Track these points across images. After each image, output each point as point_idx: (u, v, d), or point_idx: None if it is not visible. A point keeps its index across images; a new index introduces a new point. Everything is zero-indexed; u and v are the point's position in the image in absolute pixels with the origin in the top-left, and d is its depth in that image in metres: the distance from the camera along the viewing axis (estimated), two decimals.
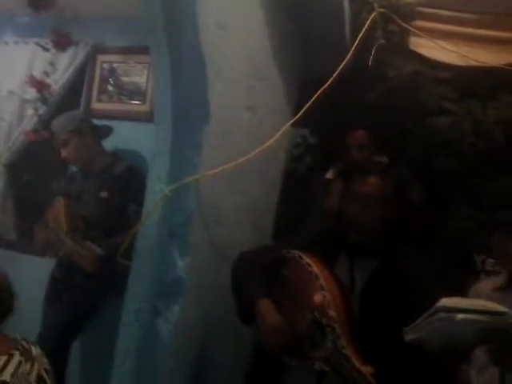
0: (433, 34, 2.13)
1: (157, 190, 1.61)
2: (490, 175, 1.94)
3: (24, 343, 1.36)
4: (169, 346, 1.63)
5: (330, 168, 2.32)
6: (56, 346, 2.09)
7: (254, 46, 1.88)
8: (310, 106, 1.79)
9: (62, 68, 2.78)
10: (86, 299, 2.24)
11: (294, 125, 2.04)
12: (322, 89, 1.77)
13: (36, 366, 1.33)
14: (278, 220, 2.35)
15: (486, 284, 1.49)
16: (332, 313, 1.40)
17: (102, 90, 2.77)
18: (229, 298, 1.58)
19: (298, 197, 2.53)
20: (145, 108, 2.63)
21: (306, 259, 1.50)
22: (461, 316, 1.14)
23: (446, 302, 1.18)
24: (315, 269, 1.47)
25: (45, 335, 2.13)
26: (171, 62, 1.58)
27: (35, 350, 1.36)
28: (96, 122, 2.52)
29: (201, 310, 1.76)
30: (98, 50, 2.78)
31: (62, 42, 2.72)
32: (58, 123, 2.38)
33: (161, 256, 1.64)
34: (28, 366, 1.32)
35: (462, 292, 1.49)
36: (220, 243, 1.81)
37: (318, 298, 1.41)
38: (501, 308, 1.16)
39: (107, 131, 2.42)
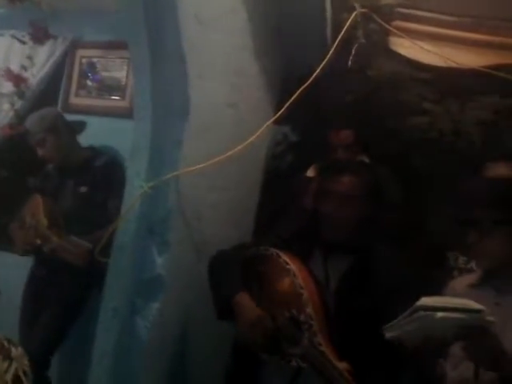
0: (413, 34, 2.15)
1: (136, 186, 1.60)
2: (467, 175, 1.97)
3: (5, 342, 1.34)
4: (147, 344, 1.62)
5: (310, 166, 2.33)
6: (41, 350, 2.05)
7: (236, 43, 1.88)
8: (291, 103, 1.80)
9: (40, 62, 2.73)
10: (71, 297, 2.20)
11: (276, 122, 2.04)
12: (303, 87, 1.78)
13: (14, 366, 1.31)
14: (258, 217, 2.35)
15: (461, 281, 1.52)
16: (309, 310, 1.42)
17: (81, 85, 2.73)
18: (209, 295, 1.58)
19: (279, 194, 2.54)
20: (124, 103, 2.60)
21: (284, 257, 1.51)
22: (440, 314, 1.17)
23: (425, 301, 1.20)
24: (293, 266, 1.48)
25: (29, 340, 2.08)
26: (151, 58, 1.57)
27: (16, 351, 1.34)
28: (74, 117, 2.49)
29: (180, 307, 1.75)
30: (76, 44, 2.74)
31: (40, 36, 2.67)
32: (32, 121, 2.34)
33: (139, 253, 1.63)
34: (5, 365, 1.29)
35: (434, 288, 1.51)
36: (200, 240, 1.81)
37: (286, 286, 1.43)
38: (477, 306, 1.19)
39: (81, 126, 2.39)
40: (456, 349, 1.33)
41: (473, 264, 1.74)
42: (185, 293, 1.75)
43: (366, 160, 2.12)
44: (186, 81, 1.62)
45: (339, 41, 1.91)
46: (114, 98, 2.66)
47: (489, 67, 1.99)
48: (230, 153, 1.72)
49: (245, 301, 1.47)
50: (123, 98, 2.64)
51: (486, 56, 2.09)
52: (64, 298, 2.19)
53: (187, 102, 1.62)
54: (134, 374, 1.60)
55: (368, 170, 1.73)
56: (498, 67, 2.02)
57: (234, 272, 1.54)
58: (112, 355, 1.61)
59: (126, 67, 2.63)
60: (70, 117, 2.49)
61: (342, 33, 1.88)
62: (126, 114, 2.46)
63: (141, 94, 1.64)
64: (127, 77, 2.61)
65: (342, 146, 2.09)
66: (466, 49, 2.11)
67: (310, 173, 2.28)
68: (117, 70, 2.69)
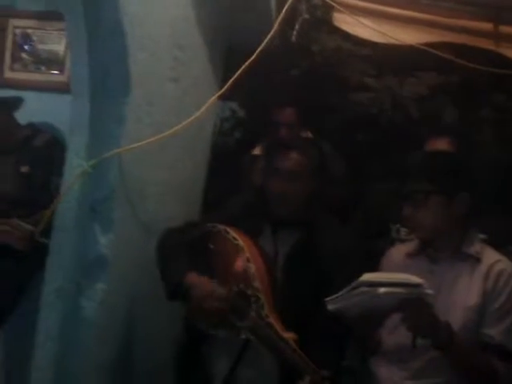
0: (355, 10, 2.17)
1: (75, 165, 1.55)
2: (406, 148, 2.04)
3: None
4: (93, 325, 1.60)
5: (258, 142, 2.34)
6: None
7: (177, 16, 1.83)
8: (236, 78, 1.78)
9: None
10: (13, 281, 2.12)
11: (222, 97, 2.02)
12: (247, 63, 1.76)
13: None
14: (206, 194, 2.35)
15: (398, 250, 1.59)
16: (257, 284, 1.45)
17: (16, 58, 2.58)
18: (156, 274, 1.57)
19: (227, 171, 2.54)
20: (63, 78, 2.48)
21: (232, 233, 1.52)
22: (382, 290, 1.23)
23: (368, 276, 1.26)
24: (241, 242, 1.50)
25: None
26: (88, 30, 1.50)
27: None
28: (10, 93, 2.35)
29: (127, 286, 1.73)
30: (8, 13, 2.56)
31: None
32: None
33: (82, 233, 1.59)
34: None
35: (377, 260, 1.58)
36: (146, 219, 1.79)
37: (239, 264, 1.45)
38: (417, 280, 1.26)
39: (18, 102, 2.27)
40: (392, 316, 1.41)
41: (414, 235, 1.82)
42: (131, 272, 1.73)
43: (310, 136, 2.15)
44: (125, 54, 1.56)
45: (283, 16, 1.90)
46: (52, 72, 2.54)
47: (426, 44, 2.05)
48: (174, 129, 1.69)
49: (196, 278, 1.48)
50: (62, 72, 2.52)
51: (424, 33, 2.15)
52: (6, 282, 2.11)
53: (127, 77, 1.57)
54: (79, 356, 1.57)
55: (312, 146, 1.77)
56: (434, 45, 2.09)
57: (182, 252, 1.55)
58: (56, 338, 1.57)
59: (64, 40, 2.50)
60: (4, 92, 2.36)
61: (286, 7, 1.87)
62: (66, 89, 2.35)
63: (78, 68, 1.57)
64: (65, 50, 2.49)
65: (285, 124, 2.11)
66: (404, 26, 2.16)
67: (257, 151, 2.29)
68: (54, 42, 2.55)
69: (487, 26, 2.15)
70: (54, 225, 1.62)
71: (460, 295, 1.40)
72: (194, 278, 1.47)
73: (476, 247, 1.45)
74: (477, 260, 1.43)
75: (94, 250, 1.60)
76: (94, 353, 1.62)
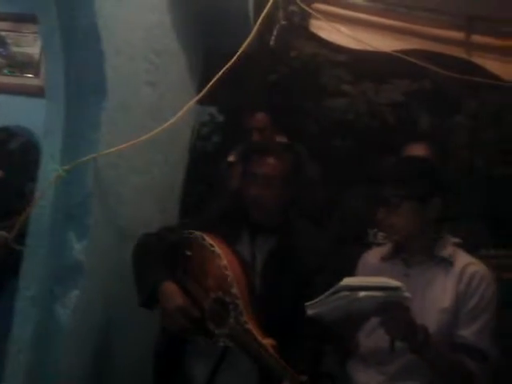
0: (332, 17, 2.20)
1: (50, 170, 1.52)
2: (382, 154, 2.08)
3: None
4: (68, 333, 1.57)
5: (235, 148, 2.34)
6: None
7: (153, 20, 1.83)
8: (215, 83, 1.78)
9: None
10: None
11: (200, 102, 2.02)
12: (224, 68, 1.77)
13: None
14: (184, 199, 2.34)
15: (374, 254, 1.61)
16: (235, 290, 1.44)
17: None
18: (133, 280, 1.55)
19: (206, 176, 2.54)
20: (38, 82, 2.45)
21: (209, 240, 1.52)
22: (362, 294, 1.24)
23: (348, 281, 1.28)
24: (218, 249, 1.50)
25: None
26: (62, 33, 1.48)
27: None
28: None
29: (103, 293, 1.71)
30: None
31: None
32: None
33: (57, 239, 1.56)
34: None
35: (355, 264, 1.60)
36: (122, 224, 1.77)
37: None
38: (395, 283, 1.28)
39: None
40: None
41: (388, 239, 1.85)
42: (107, 278, 1.71)
43: (286, 141, 2.16)
44: (101, 59, 1.55)
45: (261, 22, 1.91)
46: (26, 75, 2.50)
47: (401, 51, 2.09)
48: (150, 133, 1.68)
49: (170, 289, 1.46)
50: (37, 75, 2.48)
51: (399, 41, 2.20)
52: None
53: (103, 81, 1.56)
54: (54, 365, 1.54)
55: (289, 151, 1.78)
56: (409, 52, 2.13)
57: (158, 259, 1.53)
58: (30, 346, 1.54)
59: (39, 43, 2.47)
60: None
61: (263, 14, 1.89)
62: (41, 92, 2.32)
63: (53, 71, 1.55)
64: (40, 53, 2.45)
65: (256, 129, 2.12)
66: (380, 33, 2.21)
67: (231, 158, 2.30)
68: (29, 45, 2.52)
69: (459, 34, 2.21)
70: (28, 231, 1.59)
71: (434, 298, 1.43)
72: (167, 290, 1.46)
73: (449, 250, 1.48)
74: (450, 263, 1.46)
75: (69, 256, 1.57)
76: (69, 361, 1.59)
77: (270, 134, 2.12)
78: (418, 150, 1.95)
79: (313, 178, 2.06)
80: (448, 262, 1.46)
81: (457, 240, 1.61)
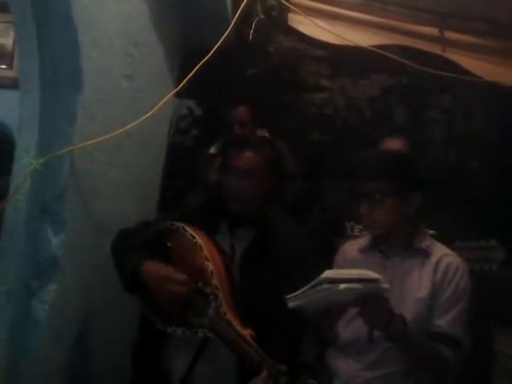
0: (310, 12, 2.21)
1: (25, 163, 1.50)
2: (359, 148, 2.11)
3: None
4: (45, 328, 1.55)
5: (216, 140, 2.35)
6: None
7: (131, 12, 1.80)
8: (193, 77, 1.78)
9: None
10: None
11: (178, 95, 2.01)
12: (202, 61, 1.76)
13: None
14: (163, 193, 2.33)
15: (352, 245, 1.64)
16: (215, 281, 1.45)
17: None
18: (111, 274, 1.54)
19: (185, 169, 2.53)
20: (11, 73, 2.39)
21: (190, 231, 1.52)
22: (343, 286, 1.27)
23: (328, 273, 1.30)
24: (199, 240, 1.50)
25: None
26: (37, 24, 1.45)
27: None
28: None
29: (81, 287, 1.69)
30: None
31: None
32: None
33: (33, 233, 1.54)
34: None
35: (332, 255, 1.62)
36: (100, 218, 1.75)
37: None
38: (374, 275, 1.30)
39: None
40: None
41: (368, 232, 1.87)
42: (84, 272, 1.69)
43: (266, 135, 2.17)
44: (77, 50, 1.52)
45: (239, 15, 1.91)
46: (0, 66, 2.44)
47: (378, 46, 2.12)
48: (127, 126, 1.66)
49: (153, 265, 1.46)
50: (10, 66, 2.42)
51: (376, 36, 2.23)
52: None
53: (79, 73, 1.53)
54: (31, 361, 1.52)
55: (269, 144, 1.79)
56: (386, 47, 2.16)
57: (138, 246, 1.53)
58: (7, 342, 1.51)
59: (12, 33, 2.41)
60: None
61: (241, 8, 1.88)
62: (15, 84, 2.27)
63: (27, 63, 1.51)
64: (14, 44, 2.40)
65: (238, 123, 2.12)
66: (357, 28, 2.23)
67: (213, 150, 2.30)
68: (2, 35, 2.46)
69: (433, 30, 2.25)
70: (3, 225, 1.56)
71: (411, 288, 1.46)
72: (150, 266, 1.46)
73: (426, 242, 1.51)
74: (426, 254, 1.49)
75: (46, 250, 1.55)
76: (47, 357, 1.57)
77: (252, 128, 2.13)
78: (394, 143, 1.98)
79: (291, 172, 2.07)
80: (425, 254, 1.49)
81: (433, 232, 1.65)
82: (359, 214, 1.51)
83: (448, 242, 1.60)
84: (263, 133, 2.17)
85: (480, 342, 1.51)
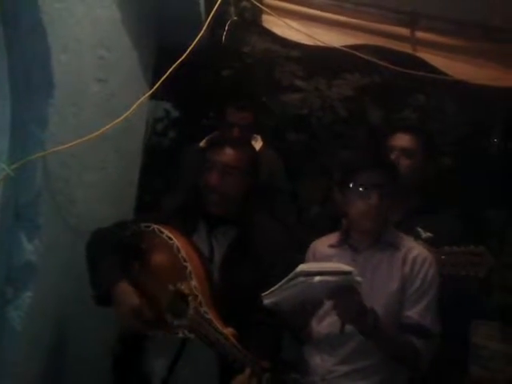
0: (283, 13, 2.23)
1: None
2: (335, 147, 2.14)
3: None
4: (21, 335, 1.53)
5: (195, 141, 2.33)
6: None
7: (102, 15, 1.79)
8: (168, 79, 1.77)
9: None
10: None
11: (155, 98, 2.00)
12: (176, 63, 1.76)
13: None
14: (140, 195, 2.32)
15: (322, 241, 1.66)
16: (194, 282, 1.45)
17: None
18: (87, 279, 1.53)
19: (162, 171, 2.52)
20: None
21: (167, 233, 1.51)
22: (317, 278, 1.29)
23: (303, 267, 1.32)
24: (176, 242, 1.50)
25: None
26: (5, 30, 1.43)
27: None
28: None
29: (57, 293, 1.67)
30: None
31: None
32: None
33: (6, 240, 1.51)
34: None
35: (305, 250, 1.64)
36: (76, 222, 1.73)
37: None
38: (347, 268, 1.33)
39: None
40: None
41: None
42: (60, 279, 1.67)
43: (260, 141, 2.18)
44: (48, 55, 1.51)
45: (212, 17, 1.92)
46: None
47: (351, 47, 2.15)
48: (101, 130, 1.65)
49: (123, 290, 1.45)
50: None
51: (349, 36, 2.26)
52: None
53: (50, 77, 1.51)
54: (6, 370, 1.50)
55: (249, 145, 1.79)
56: (358, 47, 2.19)
57: (110, 257, 1.51)
58: None
59: None
60: None
61: (214, 9, 1.89)
62: None
63: None
64: None
65: (240, 126, 2.11)
66: (330, 29, 2.26)
67: (203, 144, 2.28)
68: None
69: (405, 31, 2.29)
70: None
71: (381, 282, 1.49)
72: (121, 291, 1.45)
73: (394, 236, 1.55)
74: (395, 248, 1.53)
75: (20, 257, 1.53)
76: (22, 365, 1.54)
77: (250, 133, 2.12)
78: (404, 140, 1.94)
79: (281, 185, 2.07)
80: (394, 247, 1.53)
81: (429, 235, 1.68)
82: (349, 209, 1.53)
83: (444, 246, 1.62)
84: (257, 139, 2.17)
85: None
